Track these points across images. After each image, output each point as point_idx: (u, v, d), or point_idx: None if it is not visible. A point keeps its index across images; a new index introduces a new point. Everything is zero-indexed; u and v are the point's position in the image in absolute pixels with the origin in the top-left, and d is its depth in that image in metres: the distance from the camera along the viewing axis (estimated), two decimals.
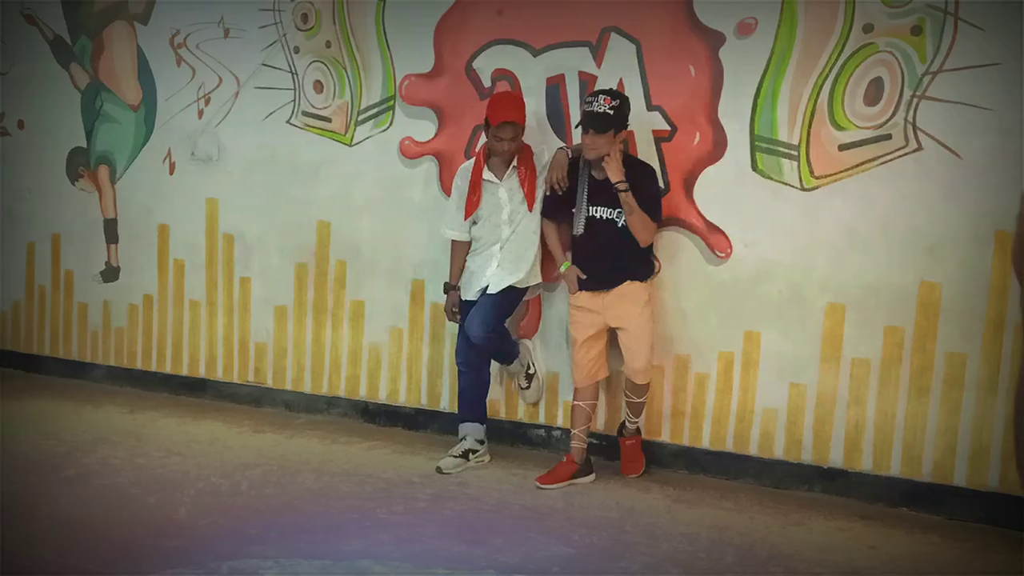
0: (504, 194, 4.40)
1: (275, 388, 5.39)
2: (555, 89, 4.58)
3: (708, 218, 4.31)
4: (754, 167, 4.21)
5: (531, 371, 4.66)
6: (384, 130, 4.99)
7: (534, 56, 4.61)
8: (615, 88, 4.26)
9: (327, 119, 5.13)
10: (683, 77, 4.31)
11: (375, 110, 4.99)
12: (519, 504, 4.06)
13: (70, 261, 5.96)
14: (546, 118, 4.60)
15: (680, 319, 4.39)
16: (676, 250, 4.37)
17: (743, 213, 4.25)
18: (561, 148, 4.35)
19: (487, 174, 4.41)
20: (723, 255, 4.30)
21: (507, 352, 4.57)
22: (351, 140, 5.08)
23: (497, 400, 4.83)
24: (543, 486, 4.22)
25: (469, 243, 4.52)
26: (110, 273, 5.83)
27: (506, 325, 4.53)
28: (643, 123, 4.35)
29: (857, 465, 4.13)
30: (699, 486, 4.29)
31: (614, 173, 4.04)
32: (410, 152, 4.94)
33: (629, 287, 4.20)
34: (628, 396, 4.34)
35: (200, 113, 5.45)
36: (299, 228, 5.23)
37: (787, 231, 4.18)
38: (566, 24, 4.51)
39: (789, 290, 4.20)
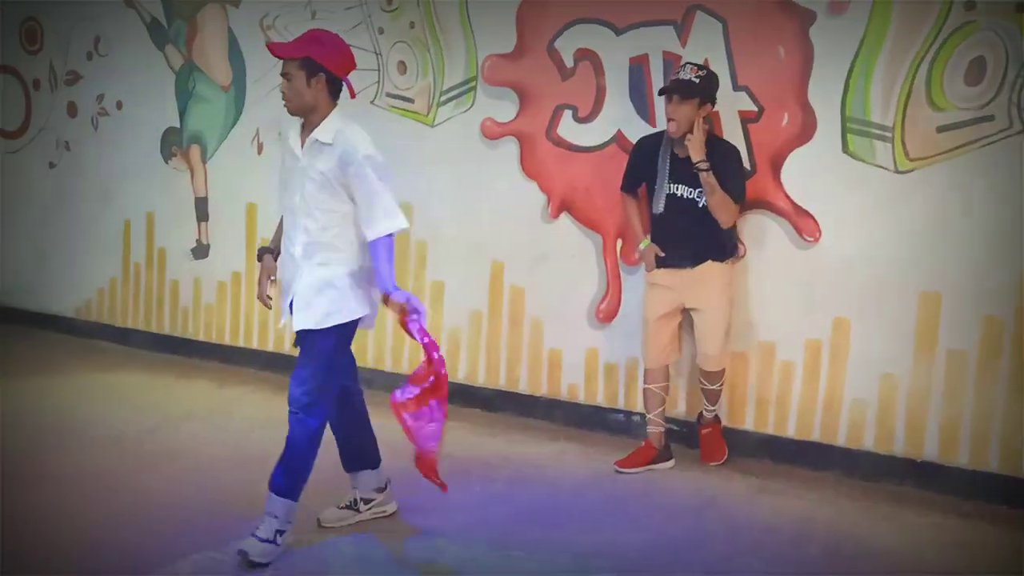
0: (299, 174, 3.27)
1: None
2: (638, 69, 4.50)
3: (796, 201, 4.19)
4: (845, 149, 4.06)
5: (287, 534, 3.36)
6: (466, 111, 4.98)
7: (617, 35, 4.53)
8: (706, 66, 4.12)
9: (410, 100, 5.14)
10: (771, 57, 4.18)
11: (457, 91, 4.99)
12: (597, 489, 4.03)
13: (163, 239, 6.14)
14: (628, 98, 4.52)
15: (765, 305, 4.28)
16: (762, 234, 4.26)
17: (833, 196, 4.11)
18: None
19: (293, 136, 3.32)
20: (811, 239, 4.17)
21: (298, 460, 3.38)
22: (433, 121, 5.08)
23: (576, 384, 4.81)
24: (622, 470, 4.18)
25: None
26: (200, 251, 5.99)
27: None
28: (729, 104, 4.24)
29: (952, 459, 3.97)
30: (783, 476, 4.19)
31: (695, 151, 3.91)
32: (491, 132, 4.93)
33: (709, 269, 4.08)
34: (702, 383, 4.26)
35: None
36: None
37: (880, 215, 4.02)
38: (650, 2, 4.42)
39: (881, 277, 4.04)
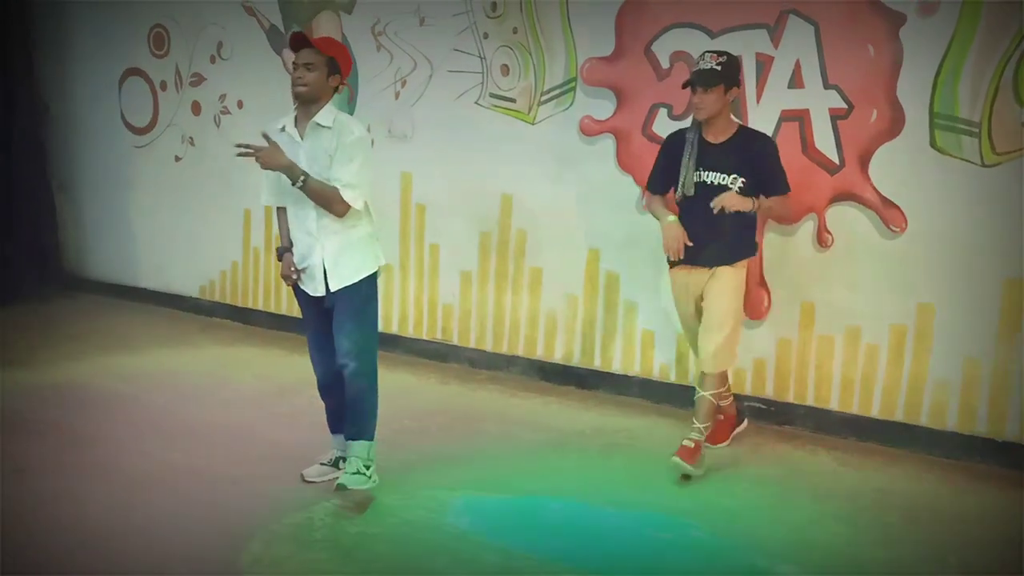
0: (303, 158, 3.67)
1: (460, 346, 5.81)
2: None
3: (884, 193, 4.38)
4: (932, 144, 4.24)
5: (372, 469, 3.80)
6: (565, 109, 5.26)
7: (711, 38, 4.76)
8: (726, 51, 4.03)
9: (512, 100, 5.46)
10: (861, 57, 4.37)
11: (557, 91, 5.28)
12: None
13: None
14: None
15: (852, 291, 4.48)
16: (851, 224, 4.46)
17: (920, 189, 4.29)
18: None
19: (289, 126, 3.74)
20: (898, 230, 4.37)
21: (370, 406, 3.83)
22: (534, 119, 5.39)
23: (667, 364, 5.07)
24: (713, 446, 4.31)
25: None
26: None
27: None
28: (820, 101, 4.46)
29: None
30: (867, 452, 4.38)
31: (738, 204, 3.85)
32: (589, 130, 5.21)
33: (720, 269, 4.02)
34: (697, 389, 4.11)
35: (397, 94, 5.89)
36: (484, 200, 5.60)
37: (965, 206, 4.19)
38: (744, 7, 4.64)
39: (965, 265, 4.22)
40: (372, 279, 3.82)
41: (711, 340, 4.02)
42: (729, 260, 4.02)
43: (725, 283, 4.01)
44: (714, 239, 3.96)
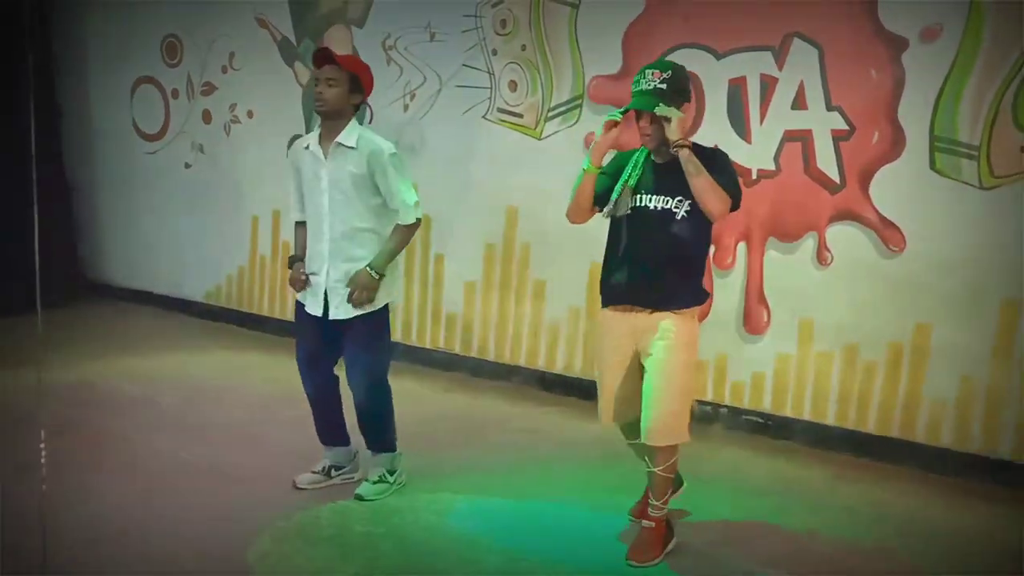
0: (325, 178, 3.68)
1: (462, 355, 5.90)
2: (736, 89, 4.83)
3: (883, 214, 4.48)
4: (932, 166, 4.34)
5: (397, 475, 3.96)
6: (571, 125, 5.37)
7: (717, 60, 4.88)
8: (671, 62, 3.46)
9: (519, 115, 5.56)
10: (864, 80, 4.47)
11: (564, 107, 5.38)
12: (686, 471, 4.30)
13: (287, 233, 6.52)
14: (726, 116, 4.87)
15: (850, 308, 4.57)
16: (850, 243, 4.55)
17: (919, 210, 4.39)
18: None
19: (313, 144, 3.72)
20: (897, 249, 4.46)
21: (388, 422, 3.92)
22: (540, 134, 5.49)
23: None
24: (642, 565, 3.38)
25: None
26: None
27: None
28: (822, 122, 4.56)
29: None
30: (863, 467, 4.45)
31: (675, 131, 3.18)
32: None
33: (667, 320, 3.30)
34: (647, 464, 3.45)
35: (406, 108, 5.99)
36: (490, 212, 5.70)
37: (963, 228, 4.28)
38: (750, 29, 4.73)
39: (963, 286, 4.30)
40: (384, 310, 3.79)
41: (655, 408, 3.29)
42: (672, 304, 3.32)
43: (672, 341, 3.28)
44: (655, 268, 3.32)
